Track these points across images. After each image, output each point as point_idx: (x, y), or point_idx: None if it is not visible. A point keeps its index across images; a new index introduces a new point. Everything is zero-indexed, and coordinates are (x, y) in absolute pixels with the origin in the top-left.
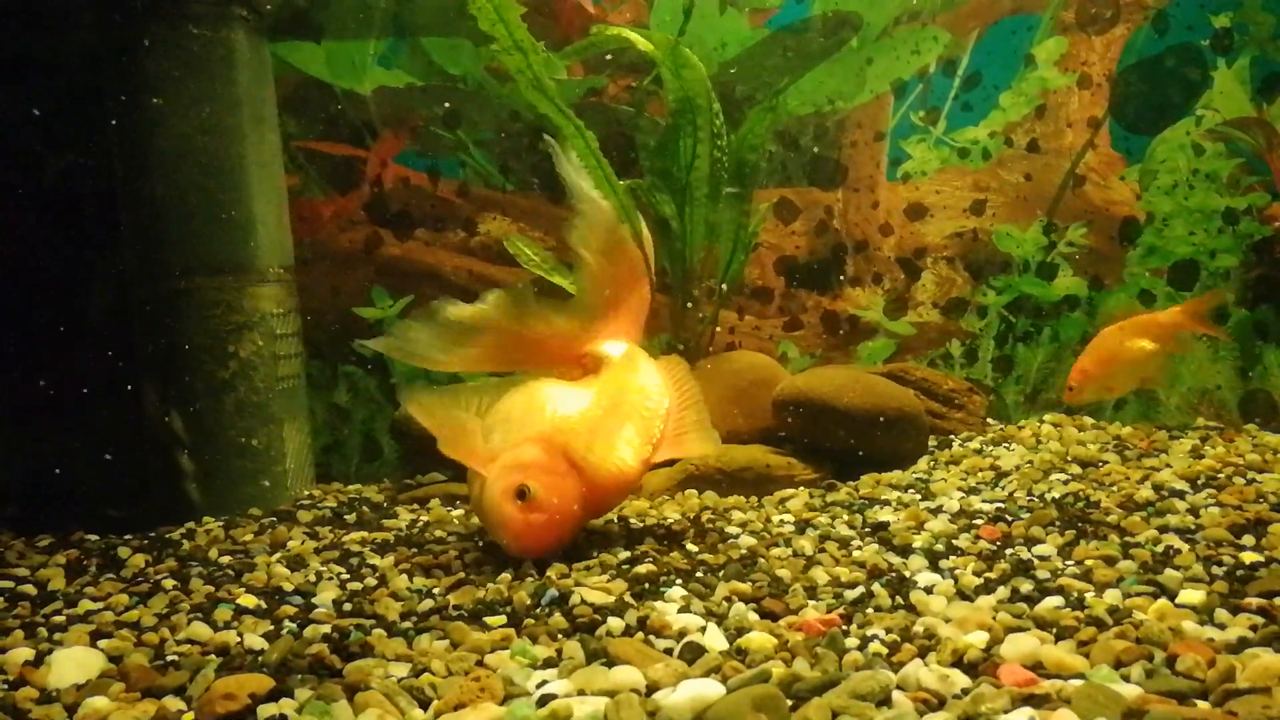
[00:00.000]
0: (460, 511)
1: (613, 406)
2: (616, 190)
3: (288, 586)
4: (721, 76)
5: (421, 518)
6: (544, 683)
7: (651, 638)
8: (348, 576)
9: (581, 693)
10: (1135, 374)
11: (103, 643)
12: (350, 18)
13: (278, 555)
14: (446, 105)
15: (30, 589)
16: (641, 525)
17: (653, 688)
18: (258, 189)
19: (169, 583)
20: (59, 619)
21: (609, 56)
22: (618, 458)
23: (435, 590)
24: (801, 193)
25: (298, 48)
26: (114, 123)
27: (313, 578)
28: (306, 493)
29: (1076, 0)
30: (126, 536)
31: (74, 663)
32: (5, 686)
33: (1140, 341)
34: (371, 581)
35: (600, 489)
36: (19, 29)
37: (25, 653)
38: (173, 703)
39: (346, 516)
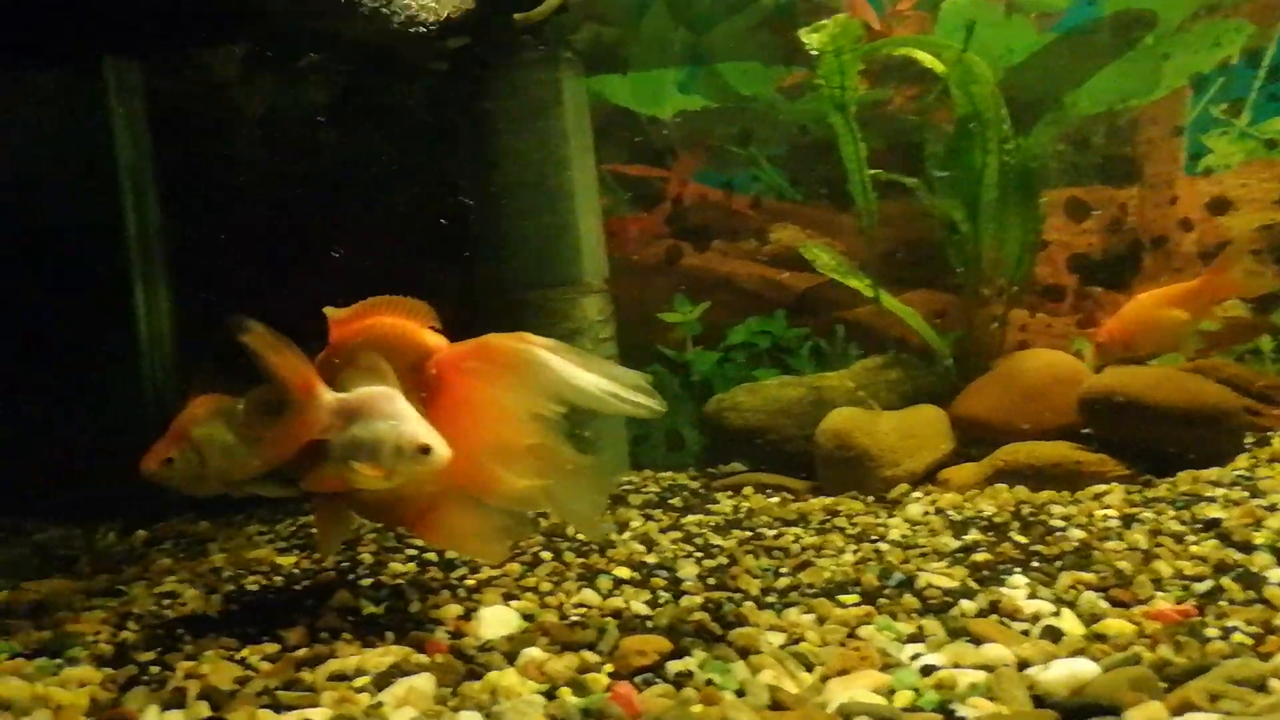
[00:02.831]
0: (777, 499)
1: None
2: (868, 193)
3: (651, 561)
4: (1008, 81)
5: (743, 504)
6: (916, 655)
7: (1005, 620)
8: (700, 554)
9: (956, 665)
10: (1160, 340)
11: (513, 603)
12: (653, 50)
13: (627, 534)
14: (740, 125)
15: (432, 556)
16: (960, 518)
17: (1023, 664)
18: (583, 210)
19: (545, 554)
20: (470, 582)
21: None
22: None
23: (783, 569)
24: (1092, 190)
25: (606, 80)
26: (466, 156)
27: (669, 555)
28: (624, 479)
29: None
30: None
31: (497, 619)
32: (449, 636)
33: (1170, 310)
34: (723, 559)
35: None
36: (386, 80)
37: (456, 609)
38: (590, 655)
39: (671, 501)
